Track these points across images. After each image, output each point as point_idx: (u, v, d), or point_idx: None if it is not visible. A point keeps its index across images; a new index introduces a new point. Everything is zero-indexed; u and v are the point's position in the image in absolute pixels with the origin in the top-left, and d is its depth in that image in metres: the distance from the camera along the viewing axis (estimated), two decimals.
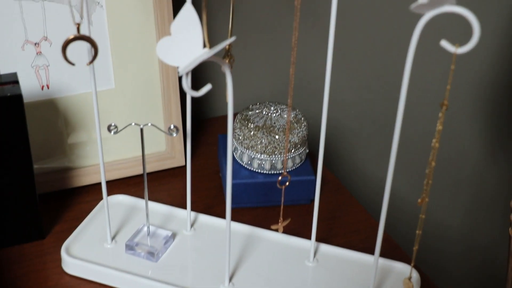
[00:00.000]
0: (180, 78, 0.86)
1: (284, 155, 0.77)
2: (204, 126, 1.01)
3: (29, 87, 0.80)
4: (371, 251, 0.74)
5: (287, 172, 0.78)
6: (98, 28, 0.81)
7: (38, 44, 0.79)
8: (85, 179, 0.85)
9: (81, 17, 0.72)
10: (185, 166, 0.89)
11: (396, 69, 1.12)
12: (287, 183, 0.67)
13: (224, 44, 0.52)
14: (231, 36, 0.65)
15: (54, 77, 0.81)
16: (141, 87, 0.85)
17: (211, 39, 0.99)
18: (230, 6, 0.65)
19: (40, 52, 0.80)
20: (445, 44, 0.50)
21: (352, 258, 0.73)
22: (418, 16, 0.50)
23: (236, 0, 0.85)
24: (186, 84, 0.55)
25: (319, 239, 0.76)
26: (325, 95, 0.62)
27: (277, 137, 0.79)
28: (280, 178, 0.67)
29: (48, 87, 0.81)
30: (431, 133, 1.18)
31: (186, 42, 0.55)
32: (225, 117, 1.03)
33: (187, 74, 0.54)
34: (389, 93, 1.17)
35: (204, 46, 0.55)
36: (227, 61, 0.67)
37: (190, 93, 0.55)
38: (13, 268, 0.73)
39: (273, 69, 1.07)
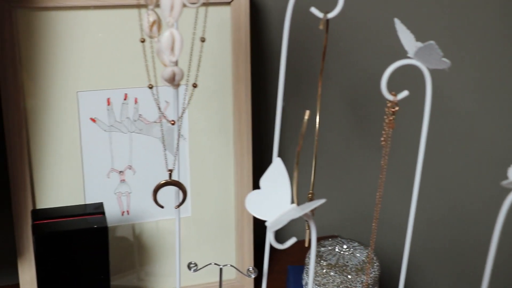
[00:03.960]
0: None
1: None
2: (273, 252, 1.02)
3: (110, 212, 0.83)
4: None
5: None
6: (179, 159, 0.84)
7: (123, 172, 0.83)
8: None
9: (165, 149, 0.75)
10: None
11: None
12: None
13: (314, 206, 0.53)
14: (313, 186, 0.67)
15: (134, 204, 0.84)
16: (216, 217, 0.87)
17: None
18: (313, 161, 0.67)
19: (124, 180, 0.83)
20: None
21: None
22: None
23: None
24: (273, 238, 0.57)
25: None
26: (406, 247, 0.62)
27: (349, 277, 0.79)
28: None
29: (128, 213, 0.84)
30: None
31: (275, 197, 0.58)
32: (294, 246, 1.03)
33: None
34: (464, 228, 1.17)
35: (292, 201, 0.57)
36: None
37: (276, 246, 0.56)
38: None
39: (343, 198, 1.09)
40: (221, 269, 0.68)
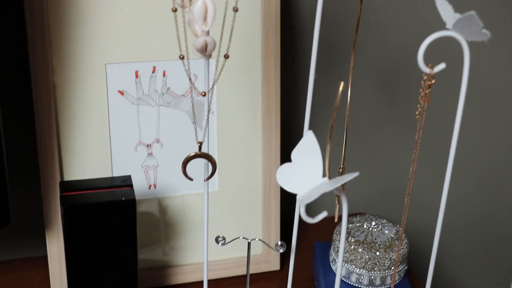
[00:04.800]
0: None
1: (393, 273, 0.76)
2: (298, 228, 1.01)
3: (137, 185, 0.83)
4: None
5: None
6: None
7: (150, 145, 0.82)
8: (181, 278, 0.86)
9: (194, 123, 0.74)
10: (280, 271, 0.90)
11: None
12: None
13: (347, 179, 0.53)
14: (344, 160, 0.66)
15: (161, 177, 0.84)
16: (243, 192, 0.87)
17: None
18: (344, 135, 0.66)
19: (151, 153, 0.83)
20: None
21: None
22: None
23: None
24: (303, 212, 0.56)
25: None
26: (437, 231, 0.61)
27: (378, 253, 0.78)
28: None
29: (155, 187, 0.84)
30: None
31: (306, 170, 0.57)
32: (320, 223, 1.03)
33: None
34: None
35: (324, 174, 0.56)
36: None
37: (307, 221, 0.56)
38: None
39: (370, 175, 1.08)
40: (249, 243, 0.67)
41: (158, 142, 0.83)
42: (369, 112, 1.03)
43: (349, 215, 0.85)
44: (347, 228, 0.82)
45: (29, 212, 0.90)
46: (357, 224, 0.82)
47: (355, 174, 0.53)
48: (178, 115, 0.82)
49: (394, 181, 1.08)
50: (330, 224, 0.98)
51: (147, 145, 0.82)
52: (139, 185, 0.83)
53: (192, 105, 0.63)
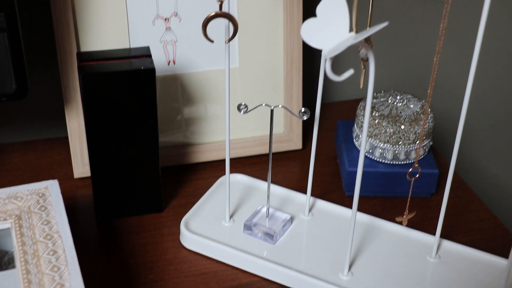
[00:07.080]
0: (304, 61, 0.85)
1: (417, 147, 0.75)
2: (321, 110, 1.00)
3: (156, 61, 0.81)
4: (496, 252, 0.71)
5: (416, 163, 0.76)
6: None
7: (168, 19, 0.80)
8: (202, 156, 0.86)
9: None
10: (302, 150, 0.89)
11: None
12: (417, 176, 0.65)
13: (376, 29, 0.50)
14: (371, 20, 0.63)
15: (181, 53, 0.82)
16: (264, 68, 0.84)
17: None
18: None
19: (169, 28, 0.80)
20: None
21: (478, 258, 0.70)
22: None
23: None
24: (329, 68, 0.54)
25: (441, 235, 0.73)
26: (464, 101, 0.59)
27: (402, 127, 0.76)
28: (410, 170, 0.65)
29: (174, 63, 0.82)
30: None
31: (332, 25, 0.54)
32: (342, 103, 1.01)
33: (330, 58, 0.53)
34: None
35: (351, 30, 0.54)
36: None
37: (332, 78, 0.54)
38: (132, 238, 0.75)
39: (394, 55, 1.05)
40: (272, 111, 0.66)
41: (176, 15, 0.80)
42: None
43: (373, 92, 0.83)
44: (371, 103, 0.80)
45: (48, 93, 0.89)
46: (382, 99, 0.80)
47: (384, 24, 0.50)
48: None
49: (420, 62, 1.05)
50: (352, 106, 0.97)
51: (165, 19, 0.80)
52: (158, 61, 0.81)
53: None
